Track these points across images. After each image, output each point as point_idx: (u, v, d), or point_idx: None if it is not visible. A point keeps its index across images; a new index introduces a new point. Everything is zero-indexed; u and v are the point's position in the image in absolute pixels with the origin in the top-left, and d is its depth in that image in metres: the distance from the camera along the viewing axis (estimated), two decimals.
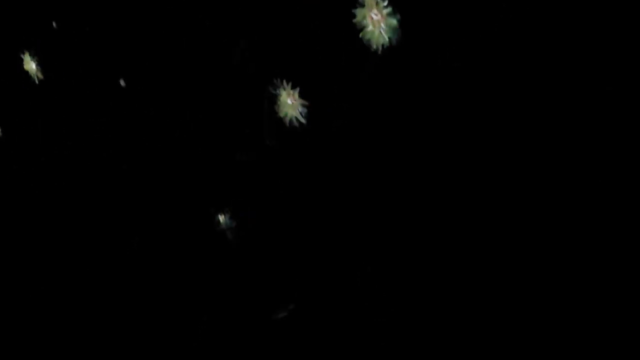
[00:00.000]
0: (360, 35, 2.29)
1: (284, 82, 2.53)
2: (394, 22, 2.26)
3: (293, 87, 2.53)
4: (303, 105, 2.53)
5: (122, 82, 3.17)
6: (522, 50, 2.20)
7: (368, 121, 2.49)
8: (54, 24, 3.30)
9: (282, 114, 2.55)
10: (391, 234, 2.54)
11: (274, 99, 2.55)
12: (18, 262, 3.67)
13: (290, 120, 2.54)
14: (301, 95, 2.53)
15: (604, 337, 2.18)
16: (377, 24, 2.27)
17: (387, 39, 2.27)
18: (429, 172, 2.43)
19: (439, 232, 2.44)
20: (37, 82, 3.38)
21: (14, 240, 3.70)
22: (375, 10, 2.26)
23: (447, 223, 2.43)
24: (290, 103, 2.53)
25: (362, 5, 2.28)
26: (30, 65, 3.37)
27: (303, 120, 2.52)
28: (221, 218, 2.95)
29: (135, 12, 3.05)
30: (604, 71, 2.11)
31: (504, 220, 2.31)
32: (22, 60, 3.39)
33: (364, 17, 2.28)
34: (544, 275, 2.27)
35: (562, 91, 2.18)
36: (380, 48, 2.28)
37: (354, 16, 2.29)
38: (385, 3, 2.25)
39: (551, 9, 2.14)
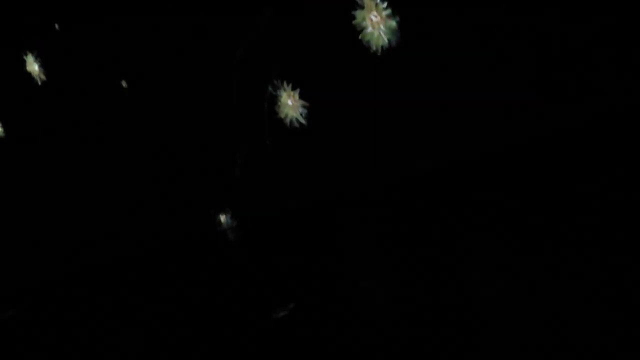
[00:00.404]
0: (360, 36, 2.30)
1: (284, 83, 2.54)
2: (393, 23, 2.27)
3: (293, 88, 2.54)
4: (303, 106, 2.53)
5: (123, 83, 3.18)
6: (522, 50, 2.21)
7: (368, 122, 2.50)
8: (56, 26, 3.30)
9: (282, 115, 2.55)
10: (391, 234, 2.54)
11: (274, 100, 2.56)
12: (18, 261, 3.67)
13: (291, 121, 2.55)
14: (301, 96, 2.54)
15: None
16: (376, 25, 2.28)
17: (386, 40, 2.28)
18: (429, 173, 2.44)
19: (438, 232, 2.45)
20: (39, 83, 3.38)
21: (14, 239, 3.71)
22: (374, 12, 2.27)
23: (447, 223, 2.43)
24: (290, 104, 2.53)
25: (362, 8, 2.28)
26: (33, 66, 3.37)
27: (303, 121, 2.53)
28: (222, 218, 2.96)
29: (137, 14, 3.05)
30: (604, 71, 2.12)
31: (504, 221, 2.32)
32: (24, 61, 3.39)
33: (364, 19, 2.28)
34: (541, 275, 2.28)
35: (563, 91, 2.19)
36: (379, 49, 2.29)
37: (354, 18, 2.30)
38: (385, 5, 2.26)
39: (551, 9, 2.15)
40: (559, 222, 2.24)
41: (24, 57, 3.39)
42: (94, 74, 3.27)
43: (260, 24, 2.69)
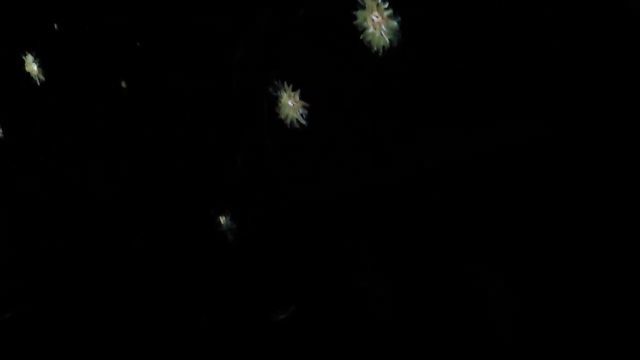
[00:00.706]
0: (361, 37, 2.30)
1: (285, 83, 2.54)
2: (394, 24, 2.26)
3: (294, 89, 2.53)
4: (304, 107, 2.53)
5: (122, 83, 3.18)
6: (522, 50, 2.21)
7: (368, 123, 2.49)
8: (55, 26, 3.30)
9: (283, 116, 2.55)
10: (391, 234, 2.54)
11: (274, 101, 2.56)
12: (17, 262, 3.67)
13: (291, 122, 2.54)
14: (302, 97, 2.53)
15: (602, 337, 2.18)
16: (377, 25, 2.27)
17: (387, 41, 2.28)
18: (428, 173, 2.44)
19: (439, 232, 2.45)
20: (38, 83, 3.38)
21: (14, 239, 3.71)
22: (375, 13, 2.26)
23: (447, 224, 2.43)
24: (291, 105, 2.53)
25: (363, 8, 2.28)
26: (32, 66, 3.37)
27: (304, 122, 2.53)
28: (222, 219, 2.96)
29: (136, 13, 3.05)
30: (604, 71, 2.12)
31: (508, 222, 2.32)
32: (23, 61, 3.39)
33: (365, 19, 2.28)
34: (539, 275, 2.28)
35: (562, 91, 2.19)
36: (380, 50, 2.29)
37: (355, 18, 2.30)
38: (386, 5, 2.26)
39: (551, 8, 2.15)
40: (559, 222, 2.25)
41: (23, 57, 3.39)
42: (92, 73, 3.27)
43: (260, 24, 2.69)
